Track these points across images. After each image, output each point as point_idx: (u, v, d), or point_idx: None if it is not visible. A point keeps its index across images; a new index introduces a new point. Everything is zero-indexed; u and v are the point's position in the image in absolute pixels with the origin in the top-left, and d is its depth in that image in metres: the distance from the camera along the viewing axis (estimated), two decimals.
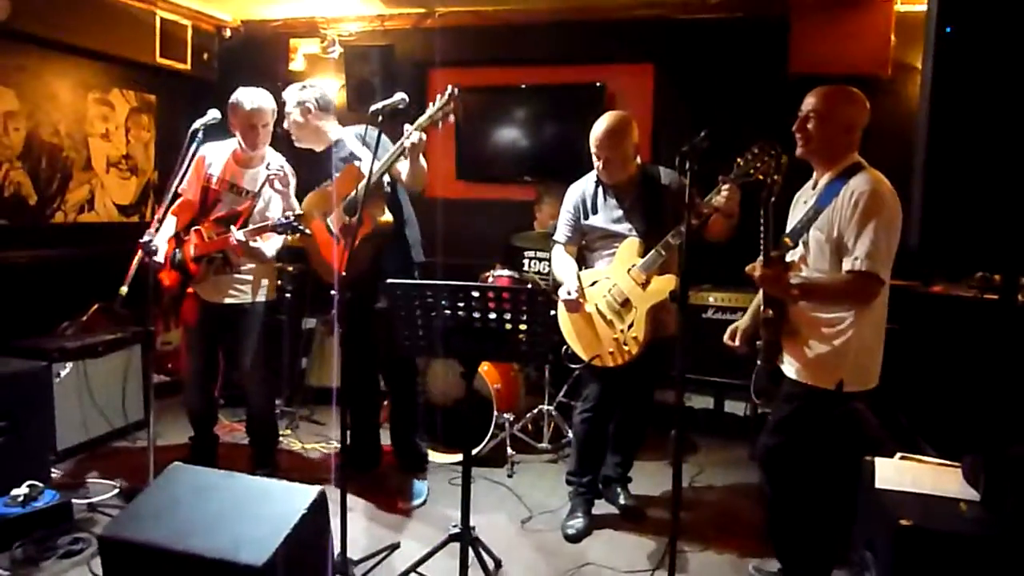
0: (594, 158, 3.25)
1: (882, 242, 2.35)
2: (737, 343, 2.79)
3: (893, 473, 2.13)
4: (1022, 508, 1.84)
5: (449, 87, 3.02)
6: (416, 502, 3.59)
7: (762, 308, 2.64)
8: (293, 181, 3.64)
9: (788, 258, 2.61)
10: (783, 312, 2.61)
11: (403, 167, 3.26)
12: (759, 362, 2.71)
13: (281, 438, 4.31)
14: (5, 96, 4.42)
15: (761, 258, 2.51)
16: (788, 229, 2.67)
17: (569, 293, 3.24)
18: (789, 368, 2.62)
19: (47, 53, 4.66)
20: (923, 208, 1.67)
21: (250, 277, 3.63)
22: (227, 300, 3.58)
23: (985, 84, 1.65)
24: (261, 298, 3.68)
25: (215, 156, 3.59)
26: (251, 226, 3.44)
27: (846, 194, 2.44)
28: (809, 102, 2.57)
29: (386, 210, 3.40)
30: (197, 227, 3.53)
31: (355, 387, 3.69)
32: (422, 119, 3.05)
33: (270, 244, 3.58)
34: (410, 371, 3.74)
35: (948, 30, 1.65)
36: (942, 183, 1.67)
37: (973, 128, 1.65)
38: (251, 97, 3.50)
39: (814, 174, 2.69)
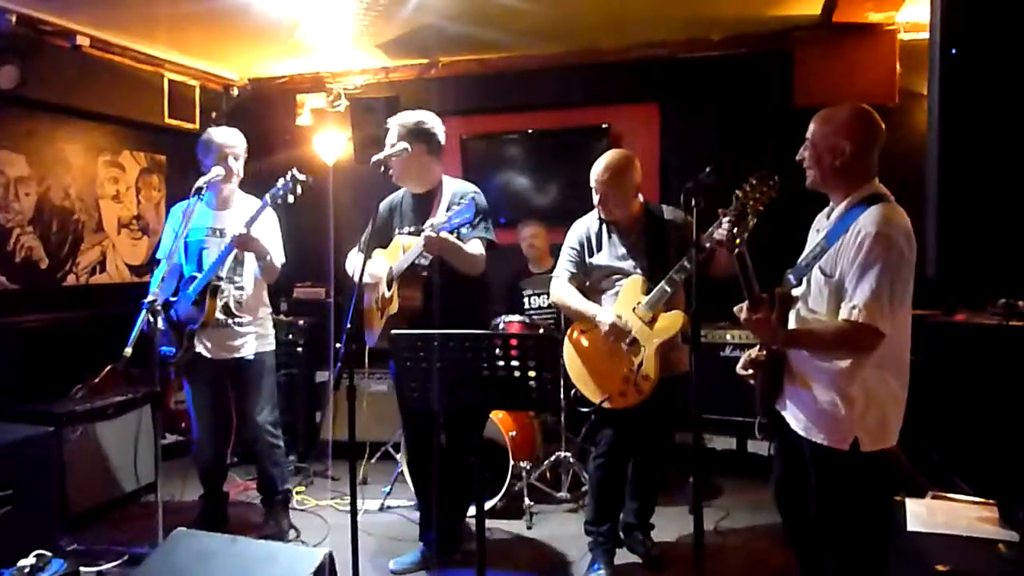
0: (593, 193, 3.23)
1: (884, 290, 2.13)
2: (750, 372, 2.56)
3: (926, 513, 2.02)
4: None
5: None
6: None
7: (756, 350, 2.47)
8: (274, 219, 3.68)
9: (795, 293, 2.43)
10: (780, 358, 2.42)
11: None
12: (758, 400, 2.55)
13: (295, 495, 4.25)
14: (16, 162, 4.47)
15: (746, 302, 2.31)
16: (797, 263, 2.51)
17: (618, 317, 3.11)
18: (795, 423, 2.40)
19: (57, 118, 4.73)
20: (938, 237, 1.60)
21: (252, 329, 3.66)
22: (232, 355, 3.59)
23: (993, 105, 1.60)
24: (264, 349, 3.71)
25: (187, 212, 3.46)
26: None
27: (853, 232, 2.22)
28: (810, 128, 2.41)
29: (418, 295, 3.20)
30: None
31: (422, 464, 3.44)
32: (436, 220, 3.01)
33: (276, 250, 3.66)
34: (467, 462, 3.26)
35: (953, 52, 1.61)
36: (956, 210, 1.61)
37: (984, 152, 1.59)
38: (222, 132, 3.64)
39: (831, 202, 2.48)
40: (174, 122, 5.37)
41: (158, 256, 3.58)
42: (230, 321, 3.58)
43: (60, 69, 4.55)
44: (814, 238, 2.48)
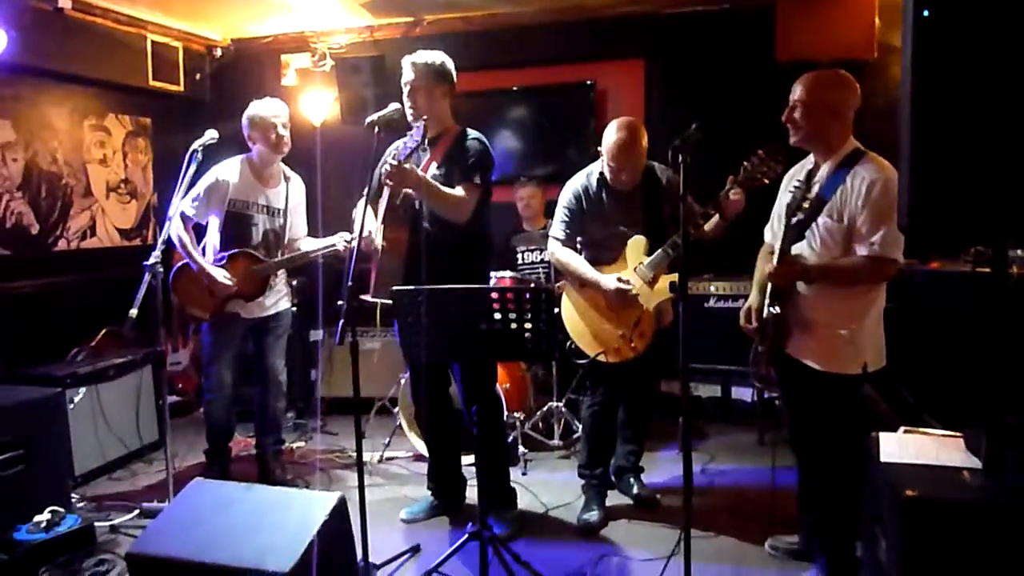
0: (608, 167, 3.25)
1: (894, 226, 2.36)
2: (754, 324, 2.78)
3: (897, 447, 2.17)
4: (1022, 474, 1.89)
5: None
6: (503, 533, 3.19)
7: (767, 304, 2.66)
8: (304, 192, 3.86)
9: (794, 251, 2.62)
10: (792, 306, 2.65)
11: None
12: (759, 348, 2.75)
13: (294, 448, 4.40)
14: (2, 128, 4.47)
15: (775, 259, 2.57)
16: (779, 216, 2.70)
17: (624, 282, 3.18)
18: (810, 360, 2.65)
19: (41, 82, 4.71)
20: (910, 190, 1.71)
21: (282, 287, 3.85)
22: (268, 312, 3.75)
23: (964, 62, 1.69)
24: (288, 305, 3.90)
25: (232, 179, 3.62)
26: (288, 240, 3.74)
27: (854, 181, 2.49)
28: (795, 90, 2.61)
29: (403, 237, 3.19)
30: (242, 252, 3.63)
31: (432, 416, 3.51)
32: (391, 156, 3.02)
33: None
34: (497, 403, 3.40)
35: (925, 14, 1.70)
36: (927, 165, 1.71)
37: (955, 108, 1.68)
38: (266, 104, 3.65)
39: (808, 158, 2.72)
40: (158, 84, 5.35)
41: (190, 215, 3.59)
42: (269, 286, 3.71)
43: (44, 32, 4.52)
44: (787, 194, 2.67)
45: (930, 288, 4.07)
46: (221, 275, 3.54)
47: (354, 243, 2.97)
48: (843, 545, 2.69)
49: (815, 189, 2.58)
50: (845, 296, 2.58)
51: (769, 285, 2.67)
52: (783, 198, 2.74)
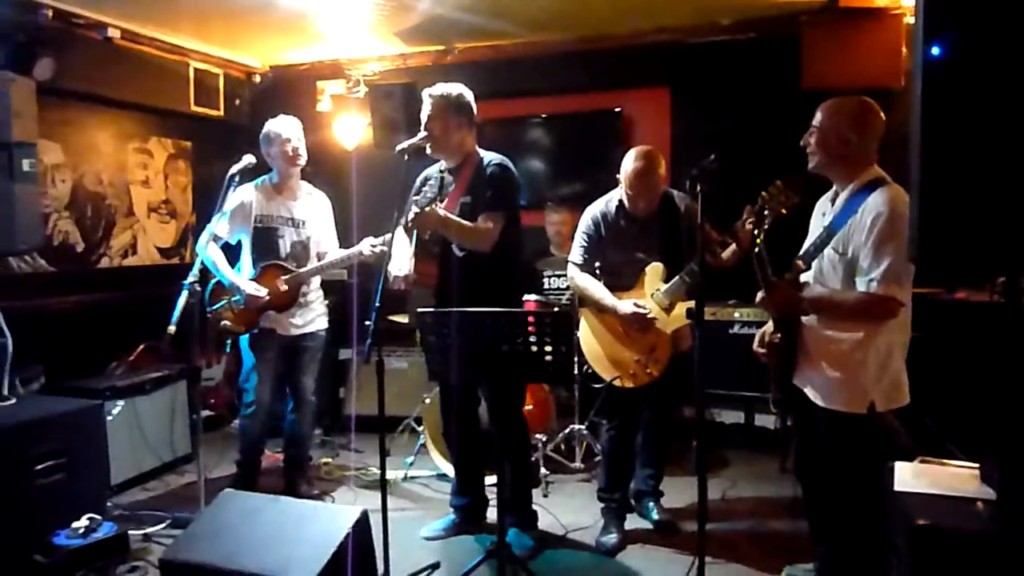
0: (626, 194, 3.31)
1: (899, 264, 2.34)
2: (765, 350, 2.75)
3: (912, 476, 2.19)
4: None
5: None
6: (523, 552, 3.27)
7: (770, 333, 2.66)
8: (329, 207, 3.96)
9: (802, 279, 2.62)
10: (794, 336, 2.62)
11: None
12: (773, 378, 2.75)
13: (321, 464, 4.50)
14: (52, 150, 4.68)
15: (762, 288, 2.54)
16: (804, 246, 2.69)
17: (641, 307, 3.23)
18: (814, 395, 2.61)
19: (89, 107, 4.93)
20: (920, 224, 1.76)
21: (319, 308, 3.96)
22: (304, 330, 3.86)
23: (973, 99, 1.74)
24: (325, 325, 4.01)
25: (252, 198, 3.79)
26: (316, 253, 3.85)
27: (863, 213, 2.44)
28: (816, 115, 2.59)
29: (433, 271, 3.33)
30: (271, 263, 3.76)
31: (459, 434, 3.55)
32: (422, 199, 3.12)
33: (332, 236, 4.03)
34: (523, 424, 3.47)
35: (935, 51, 1.75)
36: (936, 199, 1.75)
37: (963, 143, 1.73)
38: (282, 123, 3.82)
39: (834, 186, 2.69)
40: (199, 109, 5.56)
41: (221, 236, 3.75)
42: (303, 299, 3.83)
43: (91, 60, 4.74)
44: (819, 222, 2.67)
45: (956, 318, 4.06)
46: (252, 287, 3.66)
47: (390, 268, 3.13)
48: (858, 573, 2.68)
49: (830, 217, 2.56)
50: (842, 335, 2.51)
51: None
52: (813, 228, 2.73)
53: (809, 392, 2.63)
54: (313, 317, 3.92)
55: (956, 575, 1.88)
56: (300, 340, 3.88)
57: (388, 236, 3.16)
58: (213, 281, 3.77)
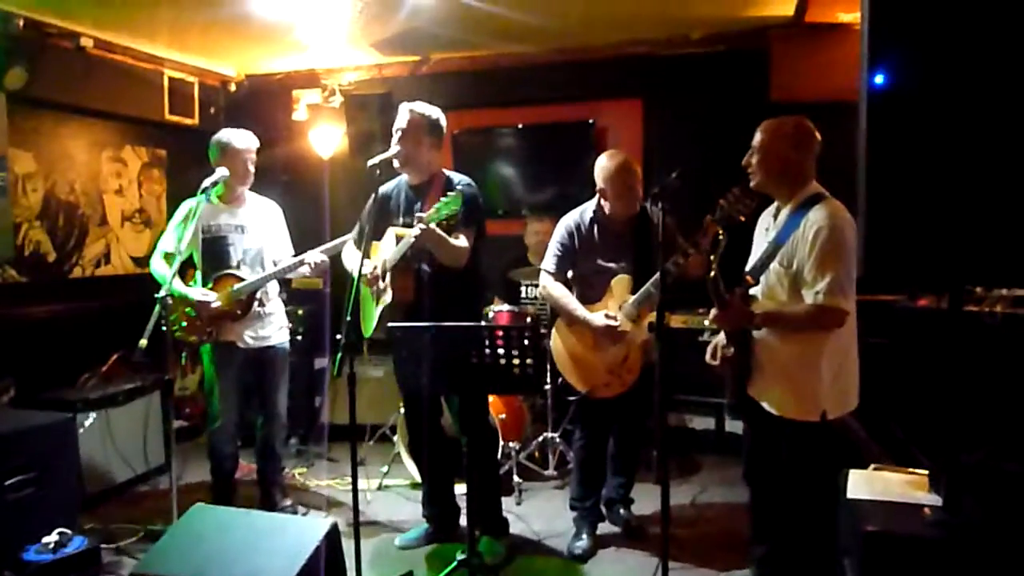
0: (606, 195, 3.37)
1: (843, 275, 2.44)
2: (718, 361, 2.82)
3: (864, 483, 2.26)
4: (980, 512, 1.98)
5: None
6: (494, 560, 3.35)
7: (723, 346, 2.73)
8: (280, 214, 3.93)
9: (752, 292, 2.69)
10: (747, 349, 2.69)
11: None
12: (728, 388, 2.82)
13: (297, 474, 4.51)
14: (23, 159, 4.66)
15: (716, 306, 2.61)
16: (750, 262, 2.77)
17: (611, 319, 3.28)
18: (768, 405, 2.68)
19: (61, 116, 4.92)
20: (866, 242, 1.83)
21: (279, 320, 3.91)
22: (262, 344, 3.80)
23: (917, 124, 1.82)
24: (287, 338, 3.96)
25: (199, 208, 3.64)
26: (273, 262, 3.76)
27: (805, 227, 2.53)
28: (756, 135, 2.69)
29: (411, 285, 3.34)
30: (225, 273, 3.72)
31: (424, 445, 3.60)
32: (429, 214, 3.11)
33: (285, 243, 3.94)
34: (491, 433, 3.58)
35: (878, 80, 1.83)
36: (882, 217, 1.83)
37: (907, 166, 1.81)
38: (240, 135, 3.76)
39: (775, 203, 2.79)
40: (174, 118, 5.56)
41: (170, 250, 3.68)
42: (261, 311, 3.78)
43: (64, 68, 4.73)
44: (763, 237, 2.77)
45: (917, 325, 4.16)
46: (199, 293, 3.63)
47: (360, 282, 3.17)
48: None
49: (773, 233, 2.66)
50: (792, 346, 2.59)
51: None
52: (757, 243, 2.82)
53: (763, 402, 2.70)
54: (272, 331, 3.85)
55: None
56: (262, 354, 3.82)
57: (335, 242, 3.40)
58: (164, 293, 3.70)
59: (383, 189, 3.54)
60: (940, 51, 1.76)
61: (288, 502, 4.05)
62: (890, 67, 1.80)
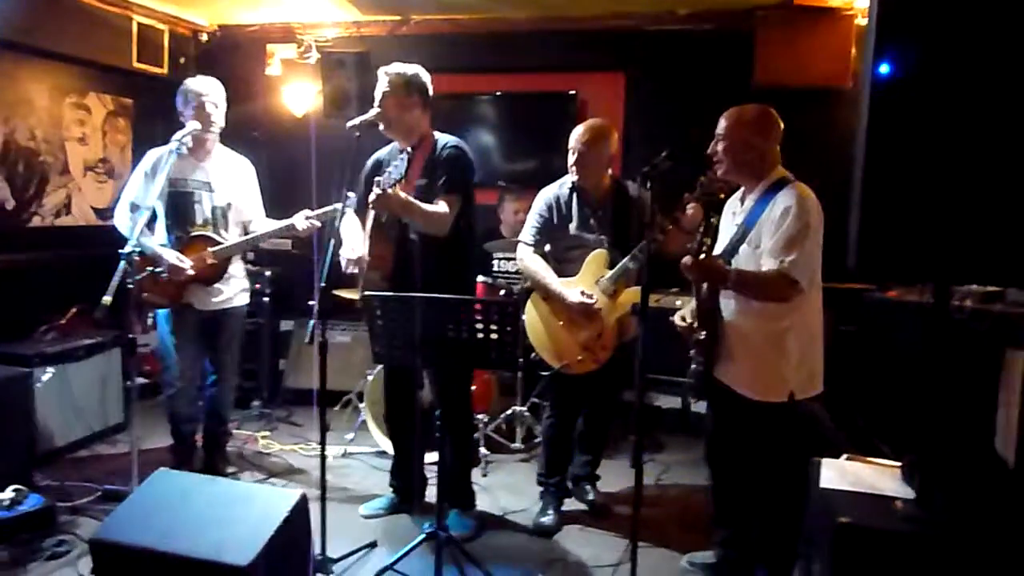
0: (570, 154, 3.35)
1: (808, 254, 2.50)
2: (694, 349, 2.81)
3: (836, 473, 2.28)
4: (952, 505, 2.01)
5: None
6: (462, 533, 3.31)
7: (695, 326, 2.74)
8: (253, 172, 3.82)
9: None
10: (716, 331, 2.72)
11: None
12: (693, 365, 2.83)
13: (259, 438, 4.44)
14: None
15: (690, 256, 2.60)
16: (718, 247, 2.77)
17: (587, 295, 3.26)
18: (734, 386, 2.72)
19: (22, 58, 4.68)
20: (860, 234, 1.82)
21: (240, 282, 3.79)
22: (221, 306, 3.69)
23: (920, 116, 1.80)
24: (246, 301, 3.86)
25: (165, 159, 3.44)
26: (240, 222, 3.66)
27: (773, 208, 2.57)
28: (719, 124, 2.70)
29: (388, 253, 3.28)
30: (199, 235, 3.59)
31: (398, 415, 3.56)
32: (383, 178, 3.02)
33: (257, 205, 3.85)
34: (467, 407, 3.50)
35: (883, 70, 1.80)
36: (877, 211, 1.82)
37: (905, 160, 1.80)
38: (198, 80, 3.62)
39: (742, 188, 2.81)
40: (142, 66, 5.35)
41: (134, 202, 3.55)
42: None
43: (26, 7, 4.50)
44: (730, 220, 2.81)
45: (886, 315, 4.21)
46: (175, 256, 3.48)
47: (341, 252, 3.16)
48: (780, 566, 2.78)
49: (742, 218, 2.69)
50: (760, 325, 2.63)
51: (697, 310, 2.74)
52: (725, 226, 2.84)
53: (731, 383, 2.73)
54: (232, 293, 3.73)
55: (876, 572, 1.97)
56: (220, 316, 3.71)
57: (324, 210, 3.25)
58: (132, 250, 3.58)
59: (377, 154, 3.45)
60: (949, 44, 1.73)
61: (232, 469, 3.97)
62: (895, 57, 1.77)
